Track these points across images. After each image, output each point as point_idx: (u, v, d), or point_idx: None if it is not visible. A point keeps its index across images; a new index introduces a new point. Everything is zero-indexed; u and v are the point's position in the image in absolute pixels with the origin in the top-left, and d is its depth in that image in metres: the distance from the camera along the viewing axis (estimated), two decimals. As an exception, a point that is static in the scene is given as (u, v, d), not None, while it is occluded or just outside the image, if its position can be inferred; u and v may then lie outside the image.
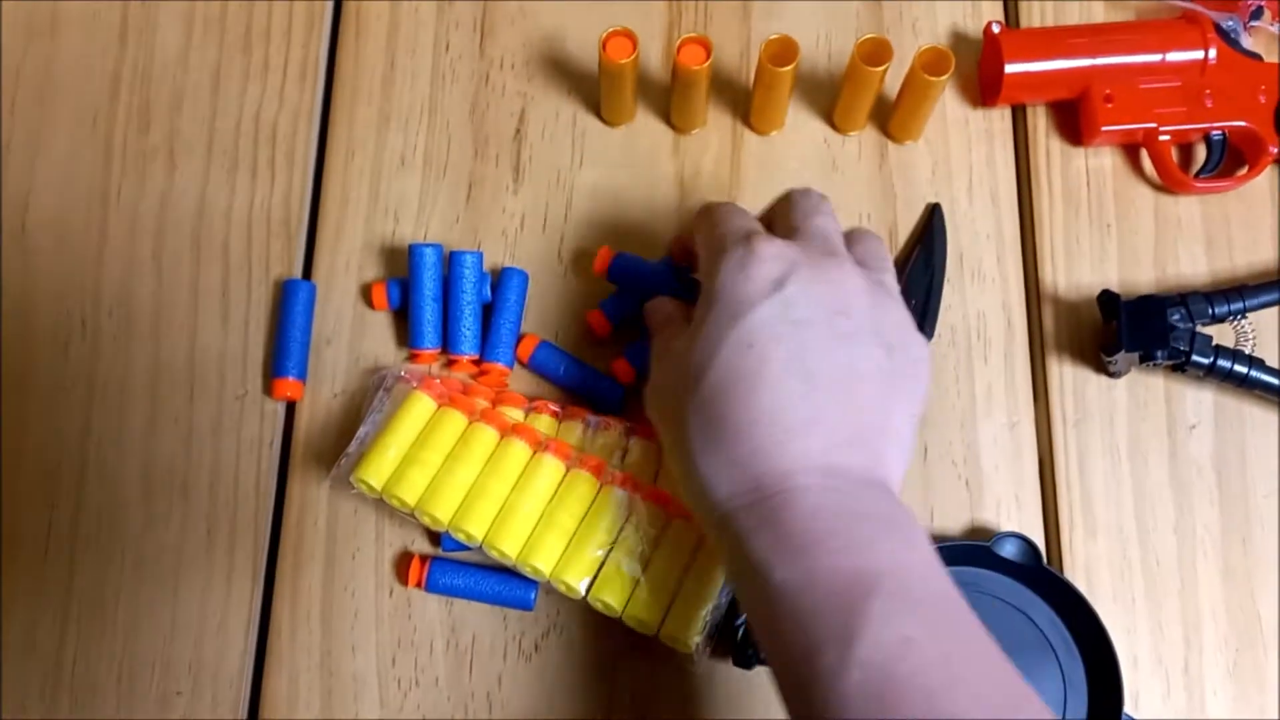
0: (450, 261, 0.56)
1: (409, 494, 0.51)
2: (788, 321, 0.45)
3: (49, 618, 0.54)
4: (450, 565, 0.54)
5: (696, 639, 0.50)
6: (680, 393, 0.46)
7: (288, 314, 0.57)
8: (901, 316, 0.48)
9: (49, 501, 0.56)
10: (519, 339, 0.57)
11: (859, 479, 0.43)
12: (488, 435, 0.53)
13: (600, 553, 0.51)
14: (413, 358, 0.57)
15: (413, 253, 0.56)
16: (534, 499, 0.52)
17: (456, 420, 0.54)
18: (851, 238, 0.52)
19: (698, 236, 0.52)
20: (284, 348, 0.57)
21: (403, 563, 0.55)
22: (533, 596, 0.54)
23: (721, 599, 0.51)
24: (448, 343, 0.56)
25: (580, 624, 0.55)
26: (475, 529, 0.51)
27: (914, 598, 0.40)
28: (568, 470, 0.53)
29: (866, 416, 0.45)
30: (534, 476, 0.53)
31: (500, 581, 0.54)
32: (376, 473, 0.52)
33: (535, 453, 0.53)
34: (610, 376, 0.57)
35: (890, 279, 0.50)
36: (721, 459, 0.44)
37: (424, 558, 0.54)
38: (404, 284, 0.58)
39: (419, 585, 0.54)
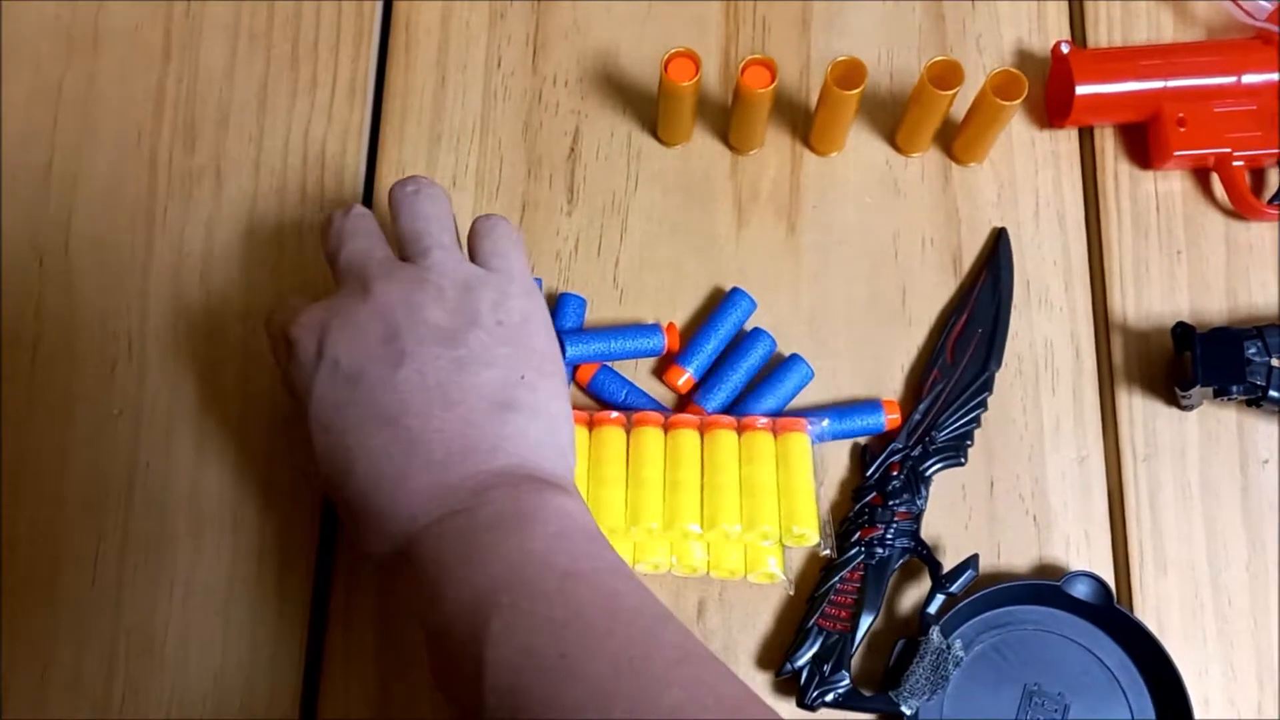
0: None
1: None
2: (342, 383, 0.44)
3: (96, 654, 0.53)
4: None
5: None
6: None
7: None
8: (460, 290, 0.47)
9: (96, 530, 0.55)
10: (577, 365, 0.56)
11: (475, 486, 0.43)
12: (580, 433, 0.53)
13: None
14: None
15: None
16: (613, 469, 0.53)
17: None
18: (397, 215, 0.51)
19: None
20: None
21: None
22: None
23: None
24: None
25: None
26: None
27: (533, 596, 0.39)
28: (628, 433, 0.54)
29: (463, 415, 0.44)
30: (601, 450, 0.53)
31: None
32: None
33: (590, 430, 0.54)
34: (669, 407, 0.56)
35: (448, 239, 0.50)
36: (371, 536, 0.44)
37: None
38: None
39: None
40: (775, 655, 0.53)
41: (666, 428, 0.54)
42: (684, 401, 0.57)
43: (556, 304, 0.57)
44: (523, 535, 0.41)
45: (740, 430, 0.54)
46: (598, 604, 0.40)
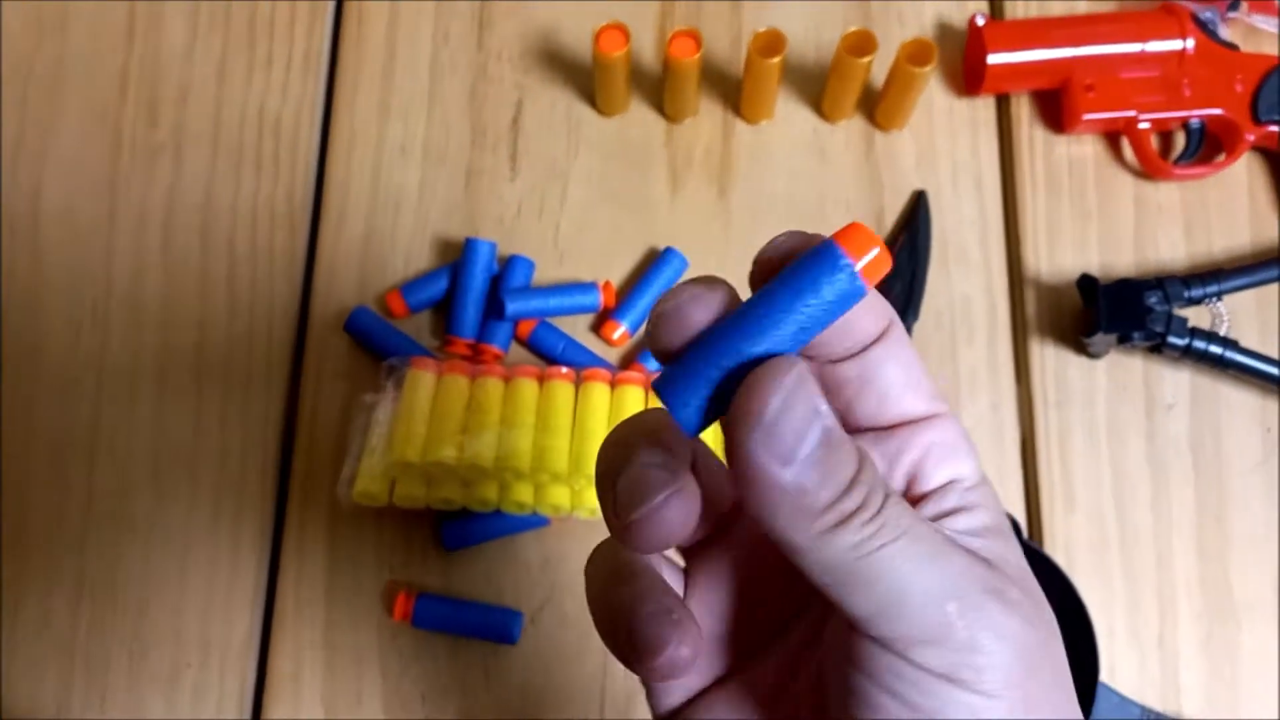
0: (465, 248, 0.58)
1: (449, 452, 0.53)
2: None
3: (62, 596, 0.56)
4: (436, 600, 0.56)
5: None
6: None
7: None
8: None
9: (61, 483, 0.58)
10: (518, 320, 0.59)
11: None
12: (494, 385, 0.56)
13: None
14: (449, 344, 0.59)
15: (468, 246, 0.59)
16: (558, 421, 0.55)
17: (460, 383, 0.56)
18: None
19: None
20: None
21: (390, 595, 0.56)
22: (517, 630, 0.55)
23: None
24: (449, 326, 0.58)
25: (574, 597, 0.56)
26: (521, 464, 0.53)
27: None
28: (577, 388, 0.56)
29: None
30: (551, 403, 0.55)
31: (484, 614, 0.56)
32: (412, 449, 0.54)
33: (541, 384, 0.56)
34: (605, 360, 0.59)
35: None
36: None
37: (410, 592, 0.56)
38: (420, 286, 0.60)
39: (406, 619, 0.55)
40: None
41: (613, 385, 0.57)
42: (628, 361, 0.60)
43: (506, 265, 0.60)
44: None
45: None
46: None
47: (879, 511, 0.25)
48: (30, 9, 0.65)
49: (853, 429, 0.28)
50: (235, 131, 0.63)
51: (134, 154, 0.63)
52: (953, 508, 0.27)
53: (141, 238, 0.62)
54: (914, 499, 0.28)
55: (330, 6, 0.66)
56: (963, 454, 0.28)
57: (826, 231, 0.25)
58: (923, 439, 0.28)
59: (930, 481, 0.28)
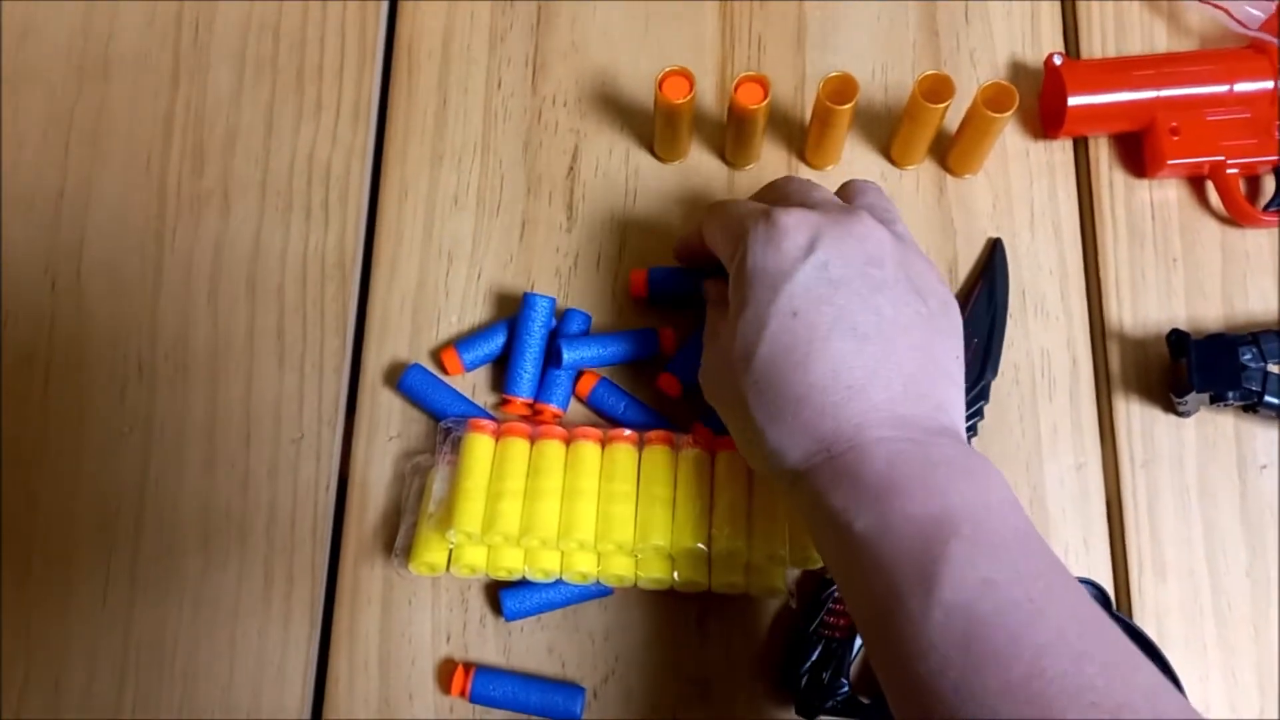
0: (523, 303, 0.56)
1: (510, 523, 0.51)
2: (826, 283, 0.45)
3: (108, 666, 0.54)
4: (494, 675, 0.53)
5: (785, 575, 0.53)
6: (734, 373, 0.46)
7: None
8: (924, 264, 0.48)
9: (107, 547, 0.56)
10: (577, 377, 0.57)
11: (927, 428, 0.43)
12: (554, 448, 0.54)
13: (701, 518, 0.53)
14: (505, 403, 0.57)
15: (526, 301, 0.56)
16: (621, 488, 0.53)
17: (520, 446, 0.54)
18: (850, 192, 0.52)
19: (711, 229, 0.52)
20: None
21: (446, 671, 0.54)
22: (578, 708, 0.53)
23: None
24: (507, 384, 0.56)
25: (639, 670, 0.54)
26: (584, 534, 0.51)
27: (993, 540, 0.40)
28: (640, 451, 0.54)
29: (920, 364, 0.45)
30: (613, 468, 0.53)
31: (544, 690, 0.53)
32: (471, 519, 0.51)
33: (603, 447, 0.54)
34: (669, 419, 0.57)
35: (903, 228, 0.50)
36: (787, 428, 0.44)
37: (468, 667, 0.53)
38: (475, 342, 0.58)
39: (463, 695, 0.53)
40: (774, 661, 0.53)
41: (676, 447, 0.54)
42: (689, 417, 0.57)
43: (563, 319, 0.58)
44: (979, 487, 0.41)
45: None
46: (1057, 569, 0.40)
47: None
48: (71, 55, 0.64)
49: None
50: (284, 179, 0.61)
51: (179, 203, 0.61)
52: None
53: (188, 289, 0.60)
54: None
55: (380, 52, 0.64)
56: None
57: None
58: None
59: None
